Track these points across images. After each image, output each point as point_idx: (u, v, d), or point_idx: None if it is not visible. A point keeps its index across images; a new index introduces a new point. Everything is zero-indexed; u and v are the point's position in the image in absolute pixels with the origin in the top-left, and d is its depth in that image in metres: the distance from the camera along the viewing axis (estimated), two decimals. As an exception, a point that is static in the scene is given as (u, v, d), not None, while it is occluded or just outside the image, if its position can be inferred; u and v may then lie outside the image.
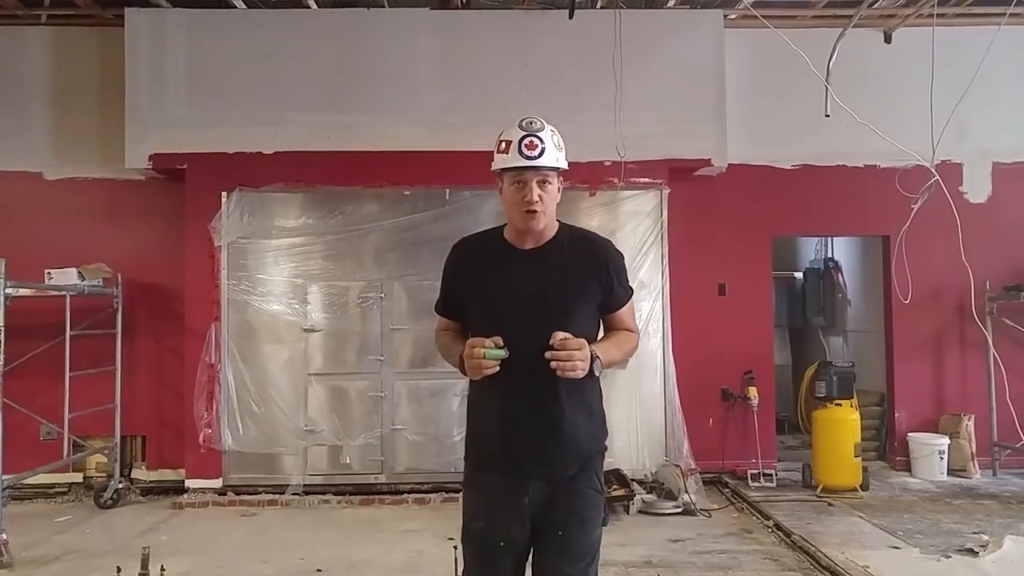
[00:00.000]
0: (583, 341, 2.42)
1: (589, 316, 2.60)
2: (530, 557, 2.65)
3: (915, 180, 6.03)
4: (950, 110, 5.44)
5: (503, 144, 2.54)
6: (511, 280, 2.57)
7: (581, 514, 2.57)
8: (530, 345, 2.41)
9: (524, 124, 2.54)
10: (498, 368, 2.41)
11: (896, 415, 7.89)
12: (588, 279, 2.57)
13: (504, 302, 2.54)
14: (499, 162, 2.55)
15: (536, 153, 2.48)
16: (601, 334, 2.71)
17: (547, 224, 2.57)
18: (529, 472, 2.55)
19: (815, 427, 7.15)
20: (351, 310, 7.18)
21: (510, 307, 2.52)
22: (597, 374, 2.49)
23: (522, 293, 2.54)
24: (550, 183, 2.52)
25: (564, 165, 2.57)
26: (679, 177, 7.34)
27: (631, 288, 2.72)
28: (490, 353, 2.40)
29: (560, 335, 2.39)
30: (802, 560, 5.26)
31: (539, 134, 2.51)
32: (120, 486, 6.99)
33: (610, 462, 7.01)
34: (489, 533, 2.58)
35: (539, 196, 2.49)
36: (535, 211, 2.49)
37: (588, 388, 2.60)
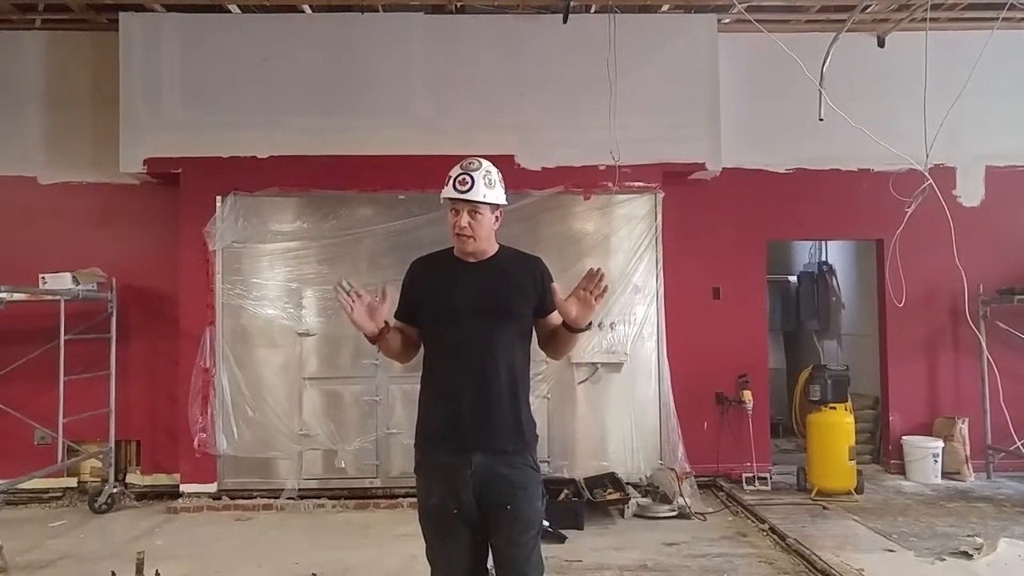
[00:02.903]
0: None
1: (525, 317, 3.00)
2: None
3: (909, 184, 6.04)
4: (943, 114, 5.45)
5: (447, 179, 2.99)
6: (459, 284, 2.99)
7: (525, 488, 2.90)
8: (478, 337, 2.90)
9: (464, 164, 2.98)
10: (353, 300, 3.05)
11: (890, 418, 7.91)
12: (525, 284, 3.00)
13: (453, 301, 2.95)
14: (443, 193, 3.00)
15: (465, 188, 2.92)
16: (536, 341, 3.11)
17: (479, 247, 2.99)
18: (472, 446, 2.87)
19: (809, 430, 7.17)
20: (345, 314, 7.14)
21: (458, 306, 2.94)
22: (587, 328, 2.92)
23: (469, 294, 2.95)
24: (481, 213, 2.94)
25: (493, 200, 2.97)
26: (673, 181, 7.36)
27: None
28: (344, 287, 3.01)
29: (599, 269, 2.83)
30: (797, 563, 5.26)
31: (472, 173, 2.94)
32: (114, 491, 6.97)
33: (604, 465, 7.09)
34: (443, 505, 2.88)
35: (468, 223, 2.93)
36: (465, 235, 2.94)
37: (525, 379, 3.01)
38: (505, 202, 3.04)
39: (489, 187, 2.96)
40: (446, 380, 2.95)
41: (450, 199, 2.96)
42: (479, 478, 2.85)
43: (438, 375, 2.98)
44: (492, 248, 3.05)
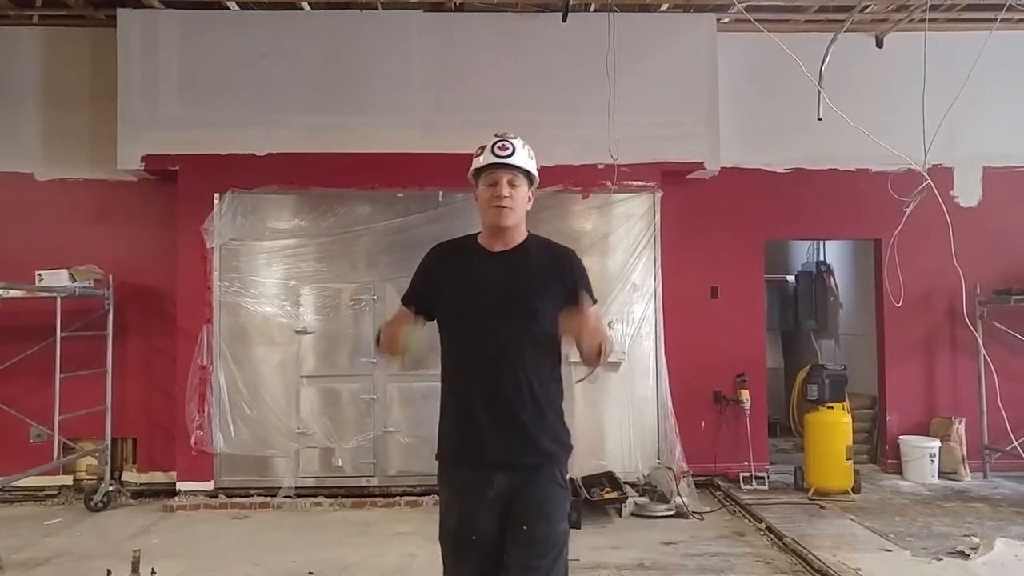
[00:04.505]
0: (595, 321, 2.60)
1: (552, 316, 2.65)
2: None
3: (907, 184, 6.06)
4: (941, 114, 5.47)
5: (479, 149, 2.73)
6: (481, 278, 2.72)
7: (544, 508, 2.64)
8: (496, 338, 2.63)
9: (499, 134, 2.74)
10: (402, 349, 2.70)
11: (887, 418, 7.92)
12: (552, 281, 2.71)
13: (473, 297, 2.69)
14: (474, 164, 2.73)
15: (507, 154, 2.66)
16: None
17: (516, 225, 2.73)
18: (492, 464, 2.63)
19: (807, 430, 7.17)
20: (343, 312, 7.16)
21: (479, 302, 2.68)
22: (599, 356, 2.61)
23: (490, 289, 2.69)
24: (519, 185, 2.70)
25: (533, 171, 2.74)
26: (672, 180, 7.35)
27: (595, 298, 2.76)
28: (411, 337, 2.68)
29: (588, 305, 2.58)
30: (794, 563, 5.26)
31: (511, 140, 2.70)
32: (110, 488, 6.95)
33: (602, 464, 7.07)
34: (461, 528, 2.67)
35: (508, 192, 2.66)
36: (504, 206, 2.66)
37: (551, 386, 2.73)
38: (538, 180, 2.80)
39: (530, 157, 2.74)
40: (463, 386, 2.69)
41: (488, 167, 2.68)
42: (500, 499, 2.62)
43: (455, 380, 2.73)
44: (522, 233, 2.78)
